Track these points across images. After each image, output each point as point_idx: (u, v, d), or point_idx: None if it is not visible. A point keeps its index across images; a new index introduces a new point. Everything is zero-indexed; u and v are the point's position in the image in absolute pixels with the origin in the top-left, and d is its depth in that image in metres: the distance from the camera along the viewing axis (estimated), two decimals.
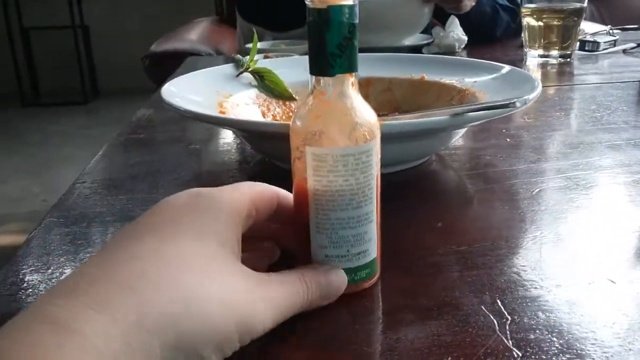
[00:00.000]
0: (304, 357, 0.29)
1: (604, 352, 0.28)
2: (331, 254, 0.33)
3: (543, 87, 0.89)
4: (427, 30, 1.30)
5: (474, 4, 1.20)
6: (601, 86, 0.86)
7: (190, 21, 2.22)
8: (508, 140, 0.61)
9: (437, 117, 0.43)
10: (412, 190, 0.49)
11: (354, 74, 0.31)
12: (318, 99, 0.32)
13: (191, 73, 0.61)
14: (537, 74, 0.98)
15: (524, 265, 0.36)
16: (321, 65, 0.31)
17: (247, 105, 0.59)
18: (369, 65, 0.68)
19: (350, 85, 0.32)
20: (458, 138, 0.53)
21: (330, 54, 0.30)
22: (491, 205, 0.46)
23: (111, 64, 4.12)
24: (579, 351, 0.28)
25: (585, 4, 1.04)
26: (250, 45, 1.21)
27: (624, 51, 1.12)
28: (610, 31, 1.20)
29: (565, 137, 0.62)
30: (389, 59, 0.70)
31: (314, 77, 0.31)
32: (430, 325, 0.30)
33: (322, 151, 0.31)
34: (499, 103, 0.43)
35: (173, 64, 1.26)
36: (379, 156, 0.33)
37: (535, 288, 0.33)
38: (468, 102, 0.56)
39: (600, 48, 1.12)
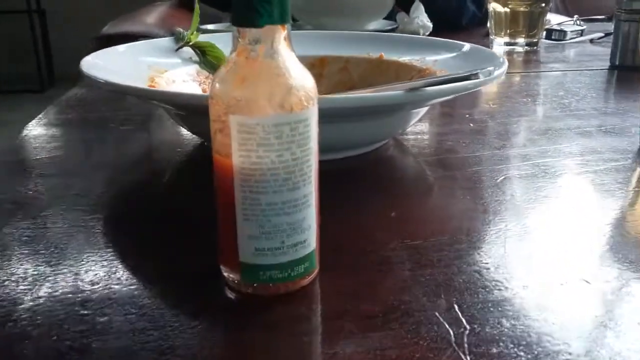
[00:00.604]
0: None
1: None
2: (263, 246, 0.27)
3: (508, 73, 0.86)
4: (390, 16, 1.25)
5: None
6: (568, 74, 0.82)
7: (150, 4, 2.13)
8: (471, 125, 0.56)
9: (390, 92, 0.38)
10: (365, 177, 0.44)
11: (286, 26, 0.26)
12: (243, 57, 0.26)
13: (123, 45, 0.55)
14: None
15: (487, 263, 0.31)
16: (246, 14, 0.25)
17: (185, 82, 0.53)
18: (324, 44, 0.63)
19: (282, 40, 0.26)
20: (417, 120, 0.48)
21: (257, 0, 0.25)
22: (451, 194, 0.42)
23: (69, 50, 3.97)
24: None
25: None
26: (207, 27, 1.14)
27: (591, 41, 1.10)
28: (577, 22, 1.17)
29: (532, 123, 0.58)
30: (345, 37, 0.65)
31: (237, 30, 0.26)
32: (373, 337, 0.25)
33: (250, 120, 0.26)
34: (460, 75, 0.38)
35: None
36: (317, 125, 0.28)
37: (499, 290, 0.29)
38: None
39: (567, 37, 1.09)
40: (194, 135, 0.50)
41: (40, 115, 0.60)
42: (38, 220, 0.36)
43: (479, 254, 0.32)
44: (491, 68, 0.38)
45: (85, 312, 0.27)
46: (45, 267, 0.31)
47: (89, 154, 0.50)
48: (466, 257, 0.32)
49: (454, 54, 0.55)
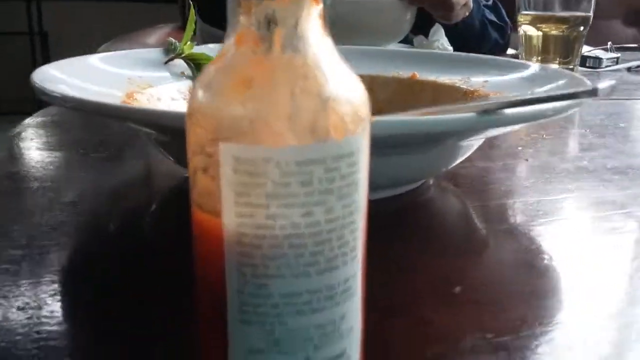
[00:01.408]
0: None
1: None
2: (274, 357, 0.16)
3: None
4: (406, 41, 1.16)
5: (467, 14, 1.06)
6: (623, 102, 0.71)
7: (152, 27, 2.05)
8: (527, 160, 0.45)
9: (458, 114, 0.27)
10: (402, 229, 0.33)
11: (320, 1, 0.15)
12: (247, 47, 0.15)
13: (99, 54, 0.44)
14: None
15: None
16: None
17: (174, 100, 0.42)
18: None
19: (313, 19, 0.15)
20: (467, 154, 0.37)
21: None
22: (524, 257, 0.30)
23: None
24: None
25: (591, 14, 0.91)
26: (208, 46, 1.05)
27: (629, 69, 1.00)
28: (611, 49, 1.07)
29: (606, 159, 0.47)
30: (371, 54, 0.55)
31: (236, 3, 0.15)
32: None
33: (259, 153, 0.15)
34: (560, 93, 0.27)
35: None
36: (368, 167, 0.17)
37: None
38: None
39: (603, 65, 0.99)
40: (182, 168, 0.39)
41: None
42: None
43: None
44: (597, 86, 0.28)
45: None
46: None
47: (42, 184, 0.39)
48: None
49: (515, 76, 0.44)
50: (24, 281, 0.26)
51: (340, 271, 0.16)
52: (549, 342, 0.22)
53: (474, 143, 0.35)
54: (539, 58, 0.94)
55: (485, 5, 1.20)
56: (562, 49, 0.92)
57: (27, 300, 0.24)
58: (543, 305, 0.25)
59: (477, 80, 0.45)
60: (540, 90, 0.38)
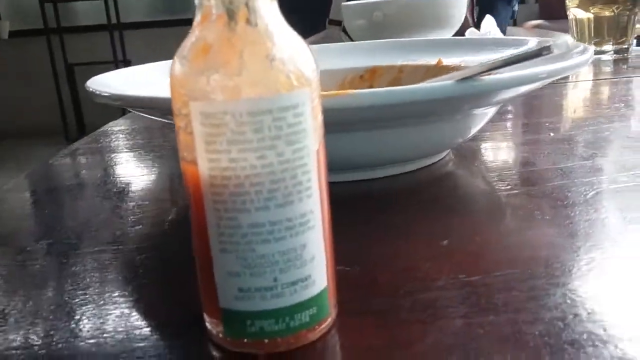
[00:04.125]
0: None
1: None
2: (248, 285, 0.20)
3: (595, 80, 0.75)
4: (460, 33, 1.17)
5: None
6: None
7: None
8: (552, 134, 0.47)
9: (435, 84, 0.29)
10: (414, 198, 0.35)
11: None
12: (209, 21, 0.19)
13: (144, 65, 0.50)
14: (588, 71, 0.83)
15: (575, 307, 0.22)
16: None
17: None
18: (374, 54, 0.56)
19: None
20: (483, 125, 0.39)
21: None
22: (526, 215, 0.32)
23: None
24: None
25: None
26: None
27: None
28: None
29: (630, 130, 0.47)
30: (399, 46, 0.57)
31: None
32: None
33: (217, 108, 0.18)
34: (525, 52, 0.29)
35: None
36: (320, 120, 0.20)
37: (594, 346, 0.19)
38: None
39: None
40: None
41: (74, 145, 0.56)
42: (23, 255, 0.30)
43: (563, 293, 0.23)
44: (565, 40, 0.29)
45: None
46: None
47: (104, 183, 0.45)
48: (545, 298, 0.22)
49: (525, 50, 0.46)
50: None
51: (296, 206, 0.19)
52: (522, 279, 0.24)
53: (484, 114, 0.38)
54: (593, 40, 0.93)
55: None
56: (614, 30, 0.90)
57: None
58: (528, 255, 0.26)
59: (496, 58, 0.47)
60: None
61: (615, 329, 0.20)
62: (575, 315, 0.21)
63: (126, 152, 0.53)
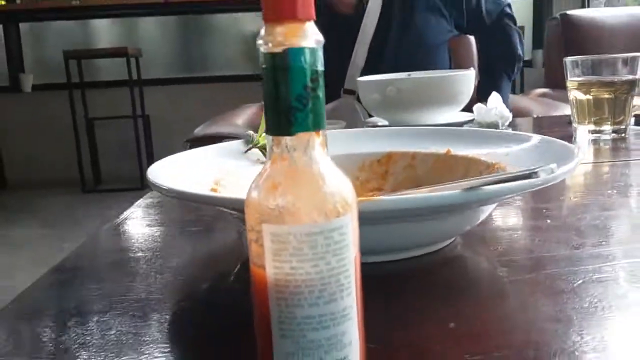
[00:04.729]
0: None
1: None
2: None
3: (595, 163, 0.82)
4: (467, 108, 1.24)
5: None
6: None
7: (241, 107, 2.25)
8: (549, 221, 0.53)
9: (439, 193, 0.36)
10: (425, 281, 0.41)
11: (320, 132, 0.25)
12: (277, 164, 0.26)
13: (192, 150, 0.57)
14: (588, 151, 0.90)
15: None
16: (279, 122, 0.25)
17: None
18: (391, 140, 0.63)
19: (317, 146, 0.25)
20: (485, 218, 0.45)
21: (290, 107, 0.25)
22: (521, 300, 0.38)
23: (168, 151, 4.19)
24: None
25: (638, 76, 0.96)
26: None
27: None
28: None
29: (618, 220, 0.53)
30: (413, 133, 0.64)
31: (271, 137, 0.26)
32: None
33: (283, 230, 0.25)
34: (520, 174, 0.36)
35: None
36: (357, 234, 0.26)
37: None
38: None
39: None
40: None
41: (119, 219, 0.62)
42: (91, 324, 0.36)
43: None
44: (554, 165, 0.36)
45: None
46: None
47: (156, 256, 0.51)
48: None
49: (525, 147, 0.52)
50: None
51: (338, 302, 0.25)
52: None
53: (483, 210, 0.44)
54: (592, 119, 1.00)
55: None
56: (613, 110, 0.97)
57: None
58: (521, 338, 0.32)
59: (500, 152, 0.54)
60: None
61: None
62: None
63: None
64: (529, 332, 0.33)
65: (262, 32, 0.24)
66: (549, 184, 0.38)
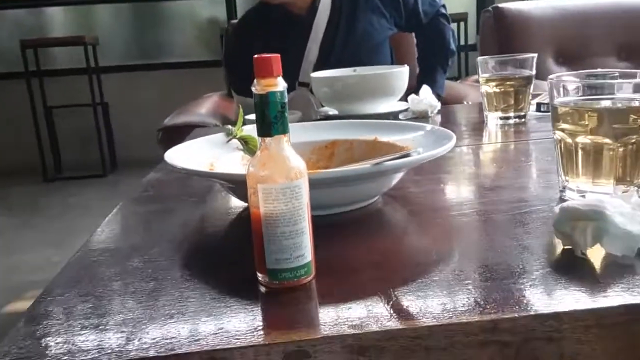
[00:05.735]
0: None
1: None
2: (279, 257, 0.48)
3: (502, 143, 1.06)
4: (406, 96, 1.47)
5: None
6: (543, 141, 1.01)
7: (201, 96, 2.42)
8: (442, 185, 0.76)
9: (354, 167, 0.59)
10: (356, 223, 0.64)
11: (286, 134, 0.47)
12: (264, 152, 0.47)
13: (189, 141, 0.78)
14: (497, 132, 1.15)
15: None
16: (265, 130, 0.47)
17: (234, 165, 0.75)
18: (334, 129, 0.85)
19: (285, 142, 0.47)
20: (395, 184, 0.68)
21: (270, 122, 0.46)
22: (420, 234, 0.61)
23: (128, 138, 4.28)
24: None
25: (534, 72, 1.21)
26: (248, 117, 1.40)
27: None
28: None
29: (498, 182, 0.77)
30: (352, 125, 0.87)
31: (260, 138, 0.47)
32: (350, 303, 0.45)
33: (269, 187, 0.46)
34: (402, 154, 0.59)
35: (183, 135, 1.44)
36: (307, 188, 0.48)
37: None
38: None
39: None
40: (240, 201, 0.71)
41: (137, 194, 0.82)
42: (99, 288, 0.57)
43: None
44: (420, 149, 0.59)
45: None
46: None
47: (163, 220, 0.72)
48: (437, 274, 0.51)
49: (422, 133, 0.76)
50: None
51: (298, 225, 0.47)
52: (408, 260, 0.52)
53: (391, 179, 0.67)
54: (500, 107, 1.24)
55: None
56: (515, 100, 1.22)
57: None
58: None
59: (409, 137, 0.76)
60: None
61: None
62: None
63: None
64: (427, 254, 0.55)
65: (255, 82, 0.46)
66: (422, 162, 0.61)
